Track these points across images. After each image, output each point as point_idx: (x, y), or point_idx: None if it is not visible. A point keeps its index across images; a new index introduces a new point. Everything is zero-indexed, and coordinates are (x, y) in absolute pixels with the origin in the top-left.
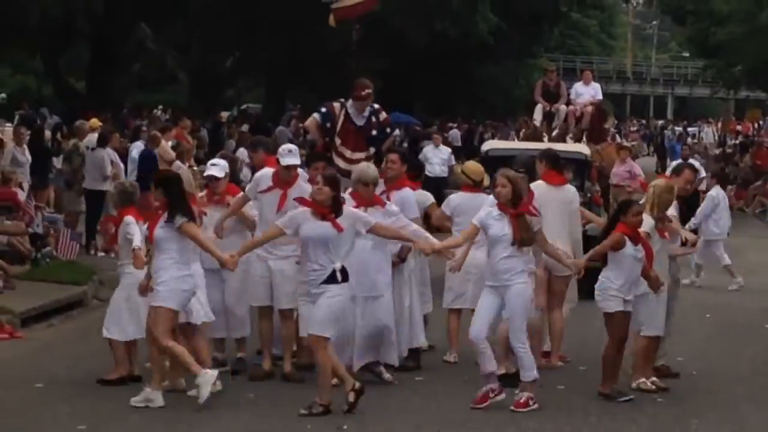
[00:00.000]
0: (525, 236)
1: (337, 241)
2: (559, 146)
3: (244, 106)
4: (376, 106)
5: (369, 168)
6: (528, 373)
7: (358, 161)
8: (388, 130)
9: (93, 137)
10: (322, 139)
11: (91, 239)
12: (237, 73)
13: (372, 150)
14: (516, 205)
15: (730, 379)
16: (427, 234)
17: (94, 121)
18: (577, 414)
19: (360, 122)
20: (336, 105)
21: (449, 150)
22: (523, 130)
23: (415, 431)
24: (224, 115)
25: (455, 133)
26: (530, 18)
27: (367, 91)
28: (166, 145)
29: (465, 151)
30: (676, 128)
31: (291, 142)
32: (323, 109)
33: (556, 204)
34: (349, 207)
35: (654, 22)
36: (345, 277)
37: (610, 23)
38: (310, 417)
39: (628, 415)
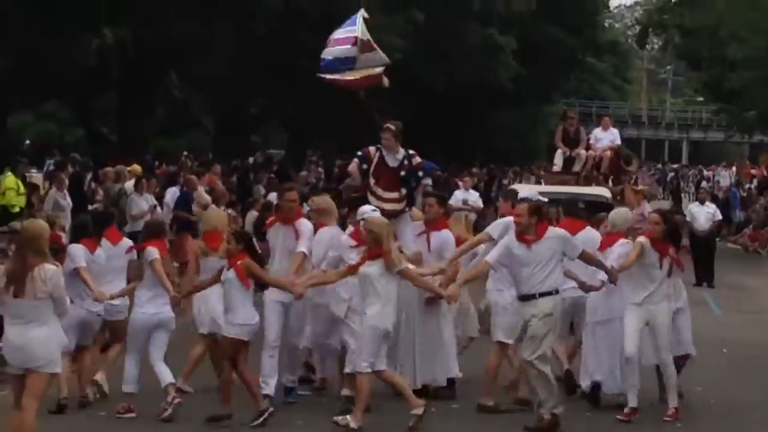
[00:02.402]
0: None
1: None
2: (582, 189)
3: (265, 152)
4: (411, 151)
5: None
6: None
7: (389, 200)
8: (420, 173)
9: (129, 183)
10: (362, 181)
11: None
12: (261, 119)
13: (404, 191)
14: None
15: (745, 407)
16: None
17: (135, 167)
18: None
19: (393, 164)
20: (371, 149)
21: (477, 194)
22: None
23: None
24: (250, 160)
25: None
26: (548, 65)
27: (387, 125)
28: (201, 189)
29: (484, 196)
30: (691, 172)
31: (315, 186)
32: (360, 153)
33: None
34: None
35: (668, 67)
36: None
37: (625, 68)
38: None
39: None
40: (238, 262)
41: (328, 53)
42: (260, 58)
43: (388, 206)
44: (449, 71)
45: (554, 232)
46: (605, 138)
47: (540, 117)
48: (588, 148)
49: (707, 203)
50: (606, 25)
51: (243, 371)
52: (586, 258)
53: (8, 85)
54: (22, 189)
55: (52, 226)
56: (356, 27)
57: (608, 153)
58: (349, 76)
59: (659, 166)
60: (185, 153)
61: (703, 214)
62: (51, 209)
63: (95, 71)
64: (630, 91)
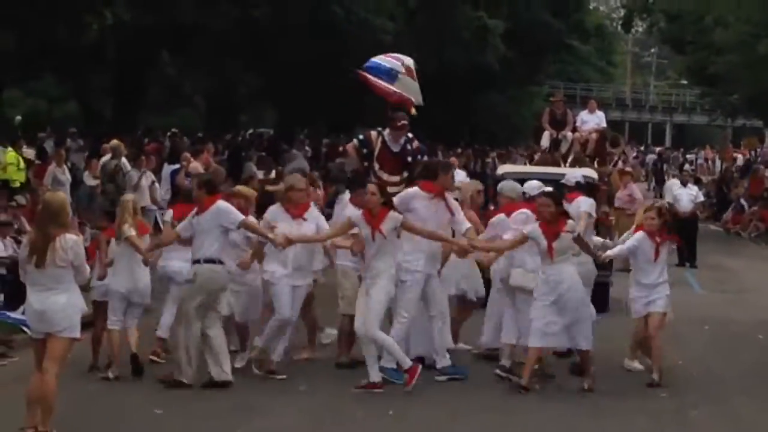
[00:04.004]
0: None
1: None
2: (570, 170)
3: (251, 131)
4: (410, 135)
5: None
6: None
7: (393, 183)
8: (419, 156)
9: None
10: (360, 163)
11: None
12: (252, 98)
13: (405, 174)
14: None
15: (725, 379)
16: None
17: (114, 142)
18: (585, 404)
19: (396, 149)
20: (373, 133)
21: (464, 173)
22: (537, 155)
23: (453, 416)
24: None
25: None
26: (535, 47)
27: (403, 122)
28: (200, 166)
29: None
30: (673, 155)
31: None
32: (361, 137)
33: None
34: None
35: (653, 50)
36: None
37: (610, 50)
38: (359, 404)
39: (635, 405)
40: None
41: (377, 58)
42: (254, 40)
43: (391, 189)
44: (439, 53)
45: (216, 206)
46: (591, 120)
47: (525, 99)
48: (574, 130)
49: (689, 185)
50: (590, 8)
51: None
52: (247, 227)
53: (7, 62)
54: (22, 164)
55: None
56: (404, 57)
57: (594, 135)
58: (386, 83)
59: (641, 148)
60: (174, 130)
61: (685, 196)
62: (51, 184)
63: (93, 50)
64: (614, 74)
